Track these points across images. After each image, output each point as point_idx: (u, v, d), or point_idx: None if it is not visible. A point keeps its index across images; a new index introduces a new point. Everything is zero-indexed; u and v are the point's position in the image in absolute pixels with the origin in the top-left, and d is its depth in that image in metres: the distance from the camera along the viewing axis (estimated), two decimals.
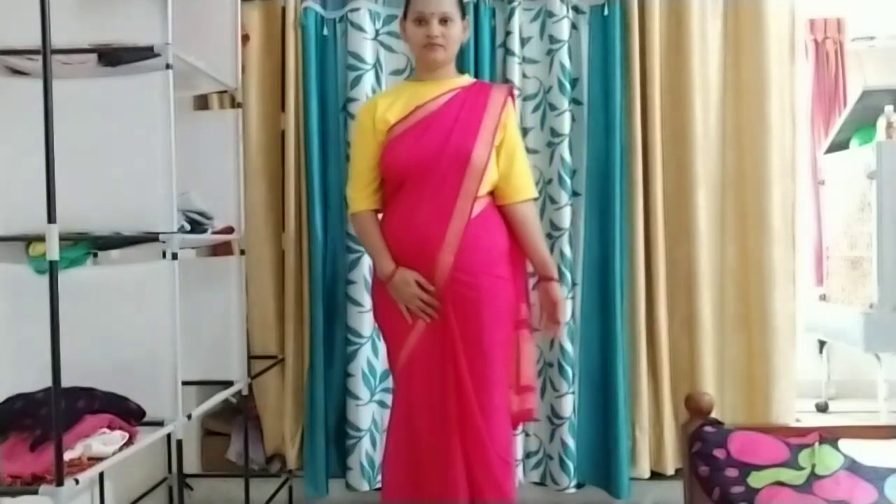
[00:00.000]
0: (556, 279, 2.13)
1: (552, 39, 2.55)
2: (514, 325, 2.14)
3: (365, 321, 2.55)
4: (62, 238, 1.54)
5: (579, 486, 2.62)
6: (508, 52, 2.56)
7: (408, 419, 2.08)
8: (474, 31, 2.55)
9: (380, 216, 2.12)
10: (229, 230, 2.35)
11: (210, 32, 2.34)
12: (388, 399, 2.57)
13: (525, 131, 2.60)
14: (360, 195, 2.12)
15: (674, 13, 2.61)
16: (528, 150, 2.59)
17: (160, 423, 1.85)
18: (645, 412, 2.61)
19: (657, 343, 2.60)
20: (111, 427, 1.69)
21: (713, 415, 2.20)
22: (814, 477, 1.87)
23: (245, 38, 2.56)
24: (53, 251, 1.47)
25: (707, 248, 2.62)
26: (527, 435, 2.63)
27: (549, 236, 2.57)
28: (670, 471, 2.65)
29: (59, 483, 1.44)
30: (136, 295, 1.89)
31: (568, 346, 2.55)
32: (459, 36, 2.10)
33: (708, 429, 2.10)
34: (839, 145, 3.81)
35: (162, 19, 1.87)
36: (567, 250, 2.55)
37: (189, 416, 1.95)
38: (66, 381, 1.51)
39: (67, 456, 1.53)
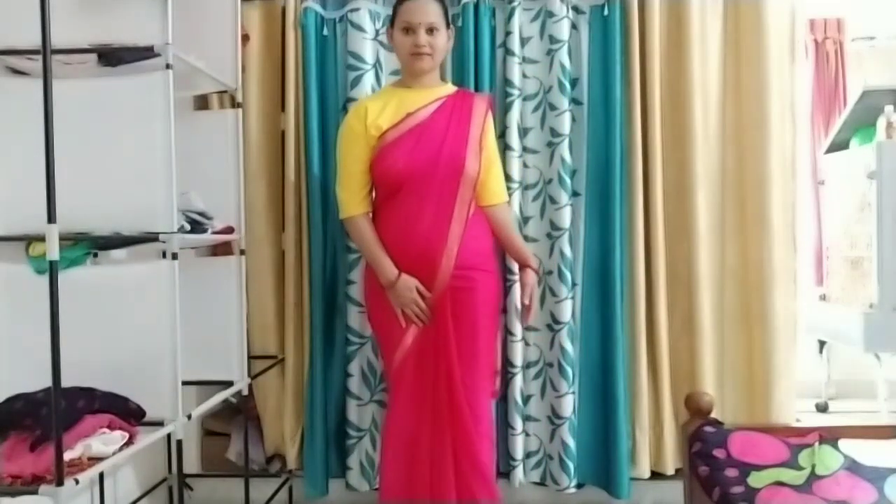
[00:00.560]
0: (534, 268, 2.31)
1: (552, 39, 2.55)
2: (498, 315, 2.36)
3: (365, 321, 2.55)
4: (62, 238, 1.54)
5: (579, 486, 2.62)
6: (508, 52, 2.56)
7: (403, 417, 2.14)
8: (474, 31, 2.56)
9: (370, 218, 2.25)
10: (229, 230, 2.35)
11: (210, 32, 2.34)
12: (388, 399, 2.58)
13: (525, 131, 2.60)
14: (355, 199, 2.22)
15: (674, 13, 2.61)
16: (528, 150, 2.62)
17: (160, 423, 1.85)
18: (645, 412, 2.61)
19: (657, 343, 2.60)
20: (111, 427, 1.69)
21: (713, 415, 2.20)
22: (814, 477, 1.87)
23: (245, 38, 2.57)
24: (53, 251, 1.47)
25: (707, 248, 2.62)
26: (527, 435, 2.63)
27: (548, 236, 2.58)
28: (670, 471, 2.65)
29: (59, 483, 1.44)
30: (135, 295, 1.89)
31: (568, 346, 2.55)
32: (445, 45, 2.23)
33: (708, 429, 2.10)
34: (839, 145, 3.81)
35: (162, 19, 1.88)
36: (567, 250, 2.55)
37: (189, 416, 1.95)
38: (66, 381, 1.51)
39: (67, 456, 1.53)
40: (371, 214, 2.25)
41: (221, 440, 2.81)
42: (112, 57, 1.92)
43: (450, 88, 2.30)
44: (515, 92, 2.55)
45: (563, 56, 2.54)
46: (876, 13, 4.20)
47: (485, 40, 2.57)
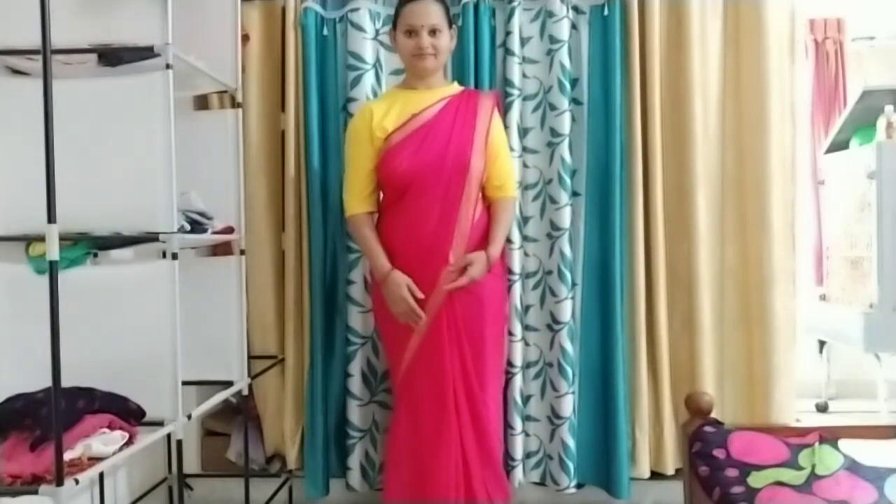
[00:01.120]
0: (489, 255, 2.18)
1: (552, 39, 2.55)
2: (506, 315, 2.40)
3: (365, 321, 2.55)
4: (62, 238, 1.54)
5: (579, 486, 2.62)
6: (508, 52, 2.56)
7: (412, 419, 2.14)
8: (474, 31, 2.55)
9: (374, 218, 2.27)
10: (229, 230, 2.35)
11: (210, 32, 2.34)
12: (389, 399, 2.58)
13: (525, 131, 2.60)
14: (357, 199, 2.25)
15: (674, 13, 2.61)
16: (528, 150, 2.61)
17: (160, 423, 1.85)
18: (645, 412, 2.60)
19: (657, 343, 2.60)
20: (111, 427, 1.69)
21: (713, 415, 2.20)
22: (814, 477, 1.87)
23: (245, 38, 2.56)
24: (53, 251, 1.47)
25: (707, 247, 2.62)
26: (527, 435, 2.63)
27: (548, 236, 2.58)
28: (670, 471, 2.65)
29: (59, 483, 1.44)
30: (135, 295, 1.89)
31: (568, 346, 2.55)
32: (448, 45, 2.24)
33: (708, 429, 2.10)
34: (839, 145, 3.81)
35: (162, 19, 1.87)
36: (567, 250, 2.55)
37: (189, 416, 1.95)
38: (66, 381, 1.51)
39: (67, 456, 1.53)
40: (374, 214, 2.28)
41: (221, 440, 2.81)
42: (112, 57, 1.92)
43: (455, 88, 2.31)
44: (515, 92, 2.55)
45: (563, 56, 2.54)
46: (876, 13, 4.19)
47: (485, 40, 2.57)
